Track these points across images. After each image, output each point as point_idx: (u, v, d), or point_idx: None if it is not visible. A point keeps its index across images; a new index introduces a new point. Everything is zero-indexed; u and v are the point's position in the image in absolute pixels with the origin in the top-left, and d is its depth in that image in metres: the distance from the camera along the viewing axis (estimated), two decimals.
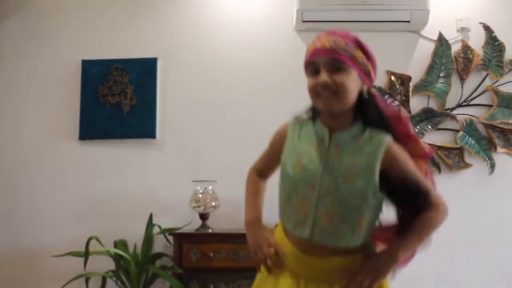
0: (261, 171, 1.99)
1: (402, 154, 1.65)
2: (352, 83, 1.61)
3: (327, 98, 1.61)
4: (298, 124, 1.80)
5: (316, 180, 1.64)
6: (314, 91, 1.64)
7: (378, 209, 1.71)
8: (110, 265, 3.76)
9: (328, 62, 1.60)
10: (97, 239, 3.74)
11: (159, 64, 4.12)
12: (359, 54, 1.65)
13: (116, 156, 4.09)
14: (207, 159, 4.04)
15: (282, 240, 1.76)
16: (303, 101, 4.04)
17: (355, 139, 1.66)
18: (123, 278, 3.72)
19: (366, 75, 1.67)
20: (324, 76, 1.59)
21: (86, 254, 3.59)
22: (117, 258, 3.72)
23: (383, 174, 1.62)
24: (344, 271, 1.62)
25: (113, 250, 3.70)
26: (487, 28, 4.08)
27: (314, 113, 1.79)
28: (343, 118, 1.67)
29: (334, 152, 1.65)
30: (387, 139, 1.63)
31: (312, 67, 1.65)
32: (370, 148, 1.63)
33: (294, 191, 1.69)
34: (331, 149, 1.66)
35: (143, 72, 4.09)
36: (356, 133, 1.67)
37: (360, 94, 1.66)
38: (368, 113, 1.67)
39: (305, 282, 1.70)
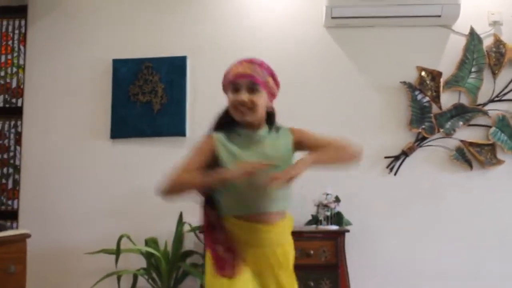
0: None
1: (303, 129, 2.20)
2: (263, 102, 2.10)
3: (244, 112, 2.06)
4: (223, 136, 2.11)
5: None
6: (234, 106, 2.07)
7: None
8: (141, 262, 3.85)
9: (247, 85, 2.06)
10: (128, 237, 3.82)
11: (188, 62, 4.17)
12: (270, 80, 2.14)
13: (147, 154, 4.15)
14: None
15: (239, 227, 2.06)
16: (331, 97, 4.15)
17: (269, 133, 2.16)
18: (154, 275, 3.79)
19: (272, 95, 2.18)
20: (244, 96, 2.05)
21: (117, 252, 3.67)
22: (148, 256, 3.79)
23: (300, 144, 2.15)
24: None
25: (144, 248, 3.77)
26: None
27: (229, 124, 2.16)
28: (256, 124, 2.12)
29: (260, 143, 2.11)
30: (288, 128, 2.20)
31: (233, 86, 2.08)
32: (281, 135, 2.17)
33: (242, 184, 1.94)
34: (257, 142, 2.11)
35: (172, 71, 4.13)
36: (267, 131, 2.16)
37: (268, 109, 2.16)
38: (272, 120, 2.21)
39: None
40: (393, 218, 4.00)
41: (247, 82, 2.06)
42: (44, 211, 4.15)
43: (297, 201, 3.75)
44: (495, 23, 4.09)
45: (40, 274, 3.89)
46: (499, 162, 3.98)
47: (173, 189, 2.05)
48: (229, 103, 2.11)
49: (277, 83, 2.19)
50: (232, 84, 2.08)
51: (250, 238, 2.05)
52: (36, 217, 4.12)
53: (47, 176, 4.20)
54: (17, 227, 4.04)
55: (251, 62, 2.12)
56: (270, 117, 2.19)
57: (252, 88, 2.06)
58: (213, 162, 2.04)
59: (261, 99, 2.08)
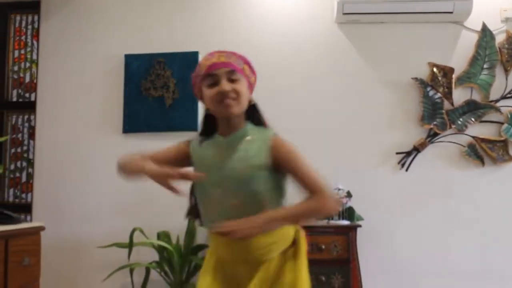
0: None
1: (286, 145, 1.94)
2: (245, 90, 1.93)
3: (229, 104, 1.88)
4: (197, 142, 2.03)
5: (218, 174, 1.91)
6: (217, 99, 1.89)
7: (278, 190, 1.96)
8: (154, 256, 3.89)
9: (226, 74, 1.88)
10: (141, 231, 3.87)
11: (200, 57, 4.14)
12: (246, 68, 1.97)
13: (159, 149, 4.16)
14: None
15: (212, 242, 2.06)
16: (342, 93, 4.19)
17: (249, 133, 1.96)
18: (167, 269, 3.84)
19: (251, 85, 2.00)
20: (225, 85, 1.87)
21: (130, 246, 3.72)
22: (160, 249, 3.83)
23: (278, 162, 1.91)
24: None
25: (157, 242, 3.82)
26: None
27: (208, 131, 2.03)
28: (238, 120, 1.96)
29: (229, 152, 1.93)
30: (269, 134, 1.97)
31: (211, 79, 1.89)
32: (258, 141, 1.94)
33: (205, 194, 1.95)
34: (226, 150, 1.95)
35: (184, 66, 4.15)
36: (245, 133, 1.96)
37: (251, 102, 2.00)
38: (256, 115, 2.03)
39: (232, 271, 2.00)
40: (404, 214, 4.03)
41: (225, 71, 1.88)
42: (58, 205, 4.21)
43: None
44: (507, 20, 4.09)
45: (54, 267, 3.95)
46: (511, 158, 4.00)
47: (120, 167, 2.05)
48: (207, 100, 1.93)
49: (253, 72, 2.03)
50: (208, 77, 1.90)
51: (224, 255, 2.01)
52: (50, 210, 4.18)
53: (60, 170, 4.25)
54: (31, 220, 4.10)
55: (223, 52, 1.96)
56: (253, 113, 2.02)
57: (232, 78, 1.89)
58: (184, 164, 2.00)
59: (243, 88, 1.92)
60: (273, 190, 1.93)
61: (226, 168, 1.91)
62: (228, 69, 1.89)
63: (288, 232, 1.99)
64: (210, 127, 2.02)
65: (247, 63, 1.99)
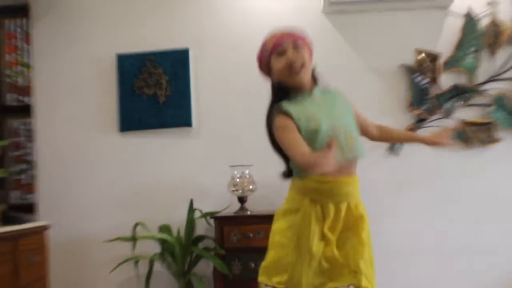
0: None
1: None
2: (309, 58, 2.17)
3: (298, 71, 2.11)
4: (290, 104, 2.14)
5: (330, 120, 2.10)
6: (288, 68, 2.12)
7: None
8: (156, 248, 4.00)
9: (292, 44, 2.12)
10: (143, 225, 4.00)
11: (191, 54, 4.26)
12: (307, 41, 2.21)
13: (156, 145, 4.27)
14: (243, 144, 4.18)
15: (319, 185, 2.12)
16: (331, 82, 4.21)
17: (322, 93, 2.22)
18: (169, 260, 3.93)
19: (311, 55, 2.21)
20: (293, 54, 2.10)
21: (133, 239, 3.86)
22: (162, 242, 3.93)
23: None
24: None
25: (158, 235, 3.93)
26: None
27: (282, 97, 2.20)
28: (308, 85, 2.18)
29: (323, 101, 2.18)
30: (337, 92, 2.30)
31: (278, 51, 2.13)
32: (333, 93, 2.27)
33: (324, 137, 2.05)
34: (319, 99, 2.18)
35: (176, 63, 4.23)
36: (321, 89, 2.23)
37: (313, 69, 2.23)
38: (317, 80, 2.25)
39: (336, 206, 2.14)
40: (396, 196, 4.12)
41: (291, 41, 2.13)
42: (62, 203, 4.28)
43: None
44: (492, 3, 4.11)
45: (62, 263, 4.05)
46: (497, 140, 4.05)
47: (315, 168, 1.97)
48: (278, 71, 2.15)
49: (311, 47, 2.25)
50: (276, 49, 2.14)
51: (334, 193, 2.11)
52: (54, 209, 4.24)
53: (62, 170, 4.32)
54: (36, 220, 4.12)
55: (285, 29, 2.20)
56: (316, 78, 2.25)
57: (297, 46, 2.12)
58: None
59: (308, 55, 2.16)
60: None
61: (332, 110, 2.15)
62: (292, 39, 2.13)
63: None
64: (281, 97, 2.19)
65: (306, 37, 2.22)
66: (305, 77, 2.15)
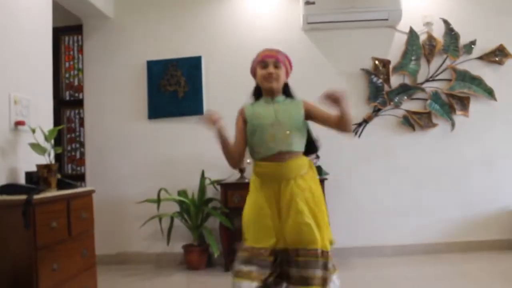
0: (235, 150, 2.11)
1: (312, 103, 2.14)
2: (283, 75, 2.13)
3: (272, 81, 2.09)
4: (249, 104, 2.18)
5: (272, 120, 2.05)
6: (265, 77, 2.09)
7: (306, 128, 2.15)
8: (176, 208, 3.83)
9: (273, 62, 2.10)
10: (165, 190, 3.82)
11: (203, 60, 4.07)
12: (286, 62, 2.16)
13: (176, 129, 4.07)
14: None
15: (261, 169, 2.06)
16: (308, 83, 4.09)
17: (284, 100, 2.15)
18: (186, 217, 3.79)
19: (287, 73, 2.18)
20: (272, 69, 2.09)
21: (158, 201, 3.69)
22: (180, 203, 3.77)
23: (307, 114, 2.11)
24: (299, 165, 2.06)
25: (177, 198, 3.76)
26: (445, 22, 3.96)
27: (257, 96, 2.20)
28: (277, 92, 2.14)
29: (277, 105, 2.11)
30: (301, 100, 2.16)
31: (263, 64, 2.11)
32: (294, 103, 2.14)
33: (263, 131, 2.03)
34: (275, 104, 2.11)
35: (191, 67, 4.04)
36: (283, 98, 2.16)
37: (285, 83, 2.17)
38: (288, 91, 2.19)
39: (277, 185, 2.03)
40: (358, 169, 3.98)
41: (273, 60, 2.10)
42: (104, 173, 4.10)
43: None
44: (428, 24, 3.98)
45: (104, 219, 3.83)
46: (434, 125, 3.94)
47: (228, 159, 2.13)
48: (259, 77, 2.12)
49: (291, 65, 2.20)
50: (261, 62, 2.11)
51: (270, 174, 2.03)
52: (98, 178, 4.07)
53: (104, 148, 4.13)
54: (85, 186, 4.02)
55: (273, 49, 2.16)
56: (286, 89, 2.18)
57: (276, 65, 2.09)
58: (245, 122, 2.12)
59: (282, 73, 2.11)
60: (303, 126, 2.11)
61: (280, 113, 2.06)
62: (274, 60, 2.10)
63: (305, 161, 2.09)
64: (258, 95, 2.19)
65: (287, 58, 2.17)
66: (276, 86, 2.11)
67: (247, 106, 2.16)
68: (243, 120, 2.12)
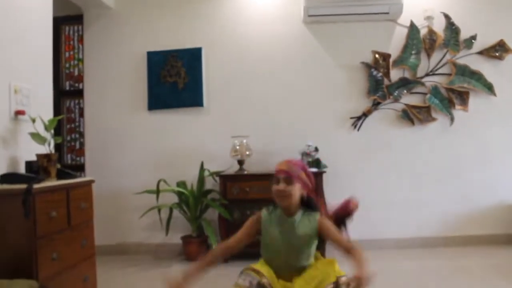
0: (229, 245, 2.01)
1: (327, 223, 1.96)
2: (296, 192, 1.93)
3: (282, 199, 1.94)
4: (268, 213, 2.02)
5: (285, 244, 1.95)
6: (276, 194, 1.95)
7: (314, 246, 2.00)
8: (175, 199, 3.83)
9: (284, 178, 1.93)
10: (165, 181, 3.81)
11: (203, 52, 4.04)
12: (302, 175, 1.96)
13: (175, 121, 4.06)
14: (242, 120, 4.01)
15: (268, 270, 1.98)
16: (309, 75, 4.10)
17: (300, 219, 1.96)
18: (185, 208, 3.78)
19: (305, 186, 1.97)
20: (282, 186, 1.92)
21: (157, 192, 3.68)
22: (179, 194, 3.77)
23: (320, 232, 1.95)
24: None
25: (176, 189, 3.75)
26: (446, 16, 3.93)
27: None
28: (292, 208, 1.96)
29: (289, 228, 1.95)
30: (317, 217, 1.96)
31: (275, 179, 1.96)
32: (310, 221, 1.95)
33: (275, 253, 1.97)
34: (289, 225, 1.96)
35: (192, 58, 4.01)
36: (300, 217, 1.97)
37: (302, 196, 1.97)
38: (310, 204, 1.99)
39: None
40: (357, 162, 3.97)
41: (284, 176, 1.93)
42: (104, 164, 4.09)
43: (287, 150, 3.76)
44: (428, 18, 3.96)
45: (103, 209, 3.83)
46: (433, 119, 3.93)
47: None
48: (273, 193, 1.98)
49: (309, 176, 2.01)
50: (275, 177, 1.97)
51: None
52: (98, 169, 4.06)
53: (104, 139, 4.12)
54: (84, 176, 4.00)
55: (288, 161, 2.00)
56: (308, 202, 2.00)
57: (288, 180, 1.92)
58: (257, 231, 2.01)
59: (295, 189, 1.93)
60: (312, 246, 2.00)
61: (289, 239, 1.95)
62: (286, 176, 1.92)
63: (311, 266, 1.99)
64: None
65: (304, 170, 1.99)
66: (288, 204, 1.95)
67: (264, 216, 2.02)
68: (256, 230, 2.02)
